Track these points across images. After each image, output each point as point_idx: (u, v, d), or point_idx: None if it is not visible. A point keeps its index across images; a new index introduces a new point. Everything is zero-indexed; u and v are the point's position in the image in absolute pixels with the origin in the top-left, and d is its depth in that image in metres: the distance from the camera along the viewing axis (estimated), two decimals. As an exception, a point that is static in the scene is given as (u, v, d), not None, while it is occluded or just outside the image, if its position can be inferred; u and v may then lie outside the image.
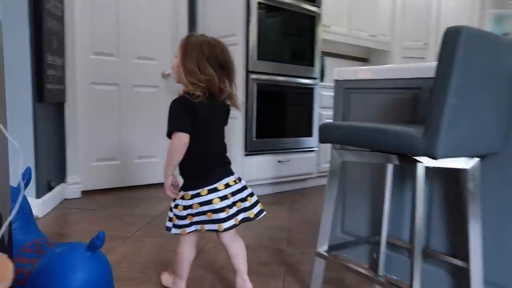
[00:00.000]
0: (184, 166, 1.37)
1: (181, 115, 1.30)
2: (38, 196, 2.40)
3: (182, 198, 1.34)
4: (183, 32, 3.28)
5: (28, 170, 1.44)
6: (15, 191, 1.38)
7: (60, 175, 2.82)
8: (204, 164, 1.35)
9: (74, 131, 2.86)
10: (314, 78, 3.36)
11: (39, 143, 2.40)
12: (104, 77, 3.03)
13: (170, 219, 1.37)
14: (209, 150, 1.36)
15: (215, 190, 1.31)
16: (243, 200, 1.37)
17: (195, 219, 1.32)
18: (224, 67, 1.32)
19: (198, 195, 1.31)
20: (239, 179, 1.40)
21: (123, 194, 3.05)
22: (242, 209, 1.36)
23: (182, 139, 1.30)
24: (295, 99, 3.26)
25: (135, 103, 3.20)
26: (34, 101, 2.33)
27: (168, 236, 2.14)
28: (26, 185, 1.43)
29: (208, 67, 1.29)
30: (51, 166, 2.66)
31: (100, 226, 2.27)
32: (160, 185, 3.32)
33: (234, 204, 1.33)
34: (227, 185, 1.34)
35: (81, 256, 1.16)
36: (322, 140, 1.37)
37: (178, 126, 1.30)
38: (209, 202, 1.30)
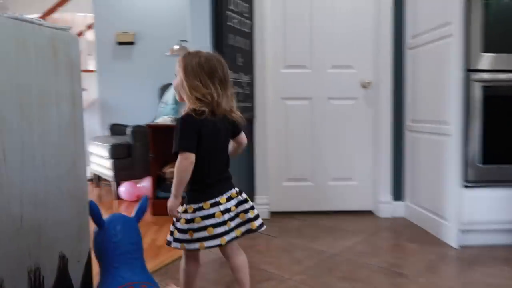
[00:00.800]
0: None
1: (188, 134, 1.31)
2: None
3: (185, 211, 1.34)
4: (386, 31, 2.73)
5: (144, 200, 1.31)
6: (127, 221, 1.26)
7: (248, 194, 2.74)
8: (205, 179, 1.35)
9: (263, 148, 2.76)
10: None
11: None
12: (296, 91, 2.82)
13: (171, 233, 1.38)
14: (210, 165, 1.36)
15: (217, 204, 1.33)
16: (246, 211, 1.38)
17: (195, 235, 1.32)
18: (223, 81, 1.35)
19: (200, 208, 1.32)
20: (240, 192, 1.42)
21: (311, 219, 2.73)
22: (246, 220, 1.38)
23: (189, 158, 1.30)
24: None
25: (330, 118, 2.84)
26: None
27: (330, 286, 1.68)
28: (140, 217, 1.29)
29: (209, 82, 1.32)
30: (238, 185, 2.62)
31: (263, 257, 2.02)
32: (356, 213, 2.86)
33: (237, 215, 1.37)
34: (229, 198, 1.36)
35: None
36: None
37: (184, 145, 1.30)
38: (212, 215, 1.31)
